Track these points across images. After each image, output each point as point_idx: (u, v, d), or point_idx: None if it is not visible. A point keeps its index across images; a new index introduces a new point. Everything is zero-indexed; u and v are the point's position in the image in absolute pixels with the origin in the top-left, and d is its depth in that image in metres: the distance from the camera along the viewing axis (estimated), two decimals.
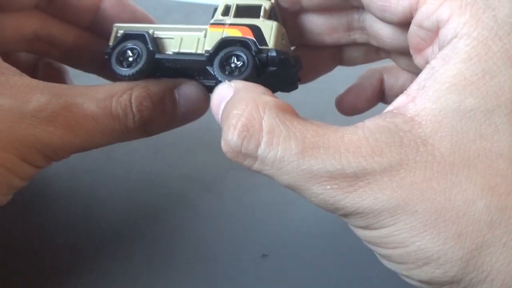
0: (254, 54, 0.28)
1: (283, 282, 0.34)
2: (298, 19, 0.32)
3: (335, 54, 0.34)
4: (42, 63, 0.36)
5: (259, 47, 0.28)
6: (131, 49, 0.30)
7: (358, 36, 0.32)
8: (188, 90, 0.31)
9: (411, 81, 0.25)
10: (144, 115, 0.30)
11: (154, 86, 0.30)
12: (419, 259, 0.22)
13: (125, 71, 0.30)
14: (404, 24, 0.26)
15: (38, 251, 0.35)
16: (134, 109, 0.29)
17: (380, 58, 0.34)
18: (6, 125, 0.26)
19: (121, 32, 0.31)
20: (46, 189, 0.39)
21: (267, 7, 0.29)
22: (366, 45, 0.33)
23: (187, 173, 0.41)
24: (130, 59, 0.30)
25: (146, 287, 0.33)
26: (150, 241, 0.36)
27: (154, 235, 0.36)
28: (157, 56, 0.30)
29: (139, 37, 0.30)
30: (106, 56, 0.31)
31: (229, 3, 0.30)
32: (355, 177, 0.22)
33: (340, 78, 0.37)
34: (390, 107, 0.25)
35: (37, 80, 0.28)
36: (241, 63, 0.28)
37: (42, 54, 0.35)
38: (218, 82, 0.28)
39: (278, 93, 0.31)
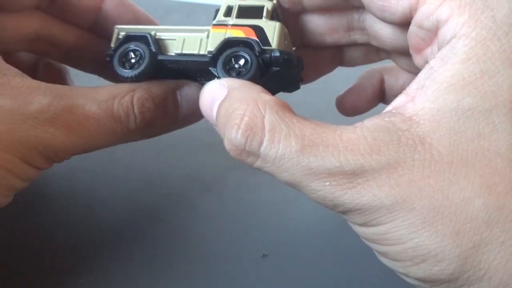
0: (257, 54, 0.28)
1: (283, 282, 0.34)
2: (299, 19, 0.32)
3: (336, 55, 0.34)
4: (43, 63, 0.36)
5: (262, 47, 0.28)
6: (134, 51, 0.30)
7: (358, 37, 0.32)
8: (190, 91, 0.31)
9: (411, 82, 0.25)
10: (146, 116, 0.30)
11: (156, 88, 0.30)
12: (416, 256, 0.23)
13: (127, 72, 0.30)
14: (404, 24, 0.26)
15: (38, 251, 0.35)
16: (136, 111, 0.29)
17: (380, 59, 0.34)
18: (7, 127, 0.26)
19: (122, 33, 0.31)
20: (47, 189, 0.39)
21: (269, 8, 0.29)
22: (367, 46, 0.33)
23: (188, 173, 0.41)
24: (133, 60, 0.30)
25: (146, 287, 0.33)
26: (150, 241, 0.36)
27: (154, 235, 0.36)
28: (160, 57, 0.30)
29: (142, 38, 0.30)
30: (108, 58, 0.31)
31: (231, 4, 0.30)
32: (354, 175, 0.23)
33: (340, 78, 0.37)
34: (389, 107, 0.25)
35: (38, 81, 0.28)
36: (245, 64, 0.28)
37: (42, 54, 0.36)
38: None
39: (279, 93, 0.32)
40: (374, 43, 0.32)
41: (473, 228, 0.22)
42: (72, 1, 0.33)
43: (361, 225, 0.24)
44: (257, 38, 0.28)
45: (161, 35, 0.31)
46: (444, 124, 0.23)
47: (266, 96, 0.25)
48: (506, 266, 0.22)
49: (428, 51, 0.26)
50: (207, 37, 0.29)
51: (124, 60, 0.30)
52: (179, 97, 0.31)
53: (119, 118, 0.29)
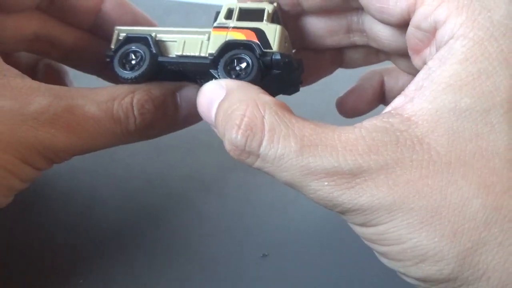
0: (258, 57, 0.28)
1: (283, 282, 0.34)
2: (299, 22, 0.32)
3: (336, 57, 0.34)
4: (42, 64, 0.36)
5: (263, 50, 0.28)
6: (134, 52, 0.30)
7: (358, 38, 0.32)
8: (190, 93, 0.31)
9: (410, 83, 0.25)
10: (146, 118, 0.30)
11: (156, 89, 0.30)
12: (415, 256, 0.23)
13: (128, 74, 0.30)
14: (402, 25, 0.27)
15: (38, 251, 0.35)
16: (135, 112, 0.29)
17: (380, 60, 0.34)
18: (7, 127, 0.26)
19: (122, 35, 0.31)
20: (47, 189, 0.39)
21: (270, 11, 0.29)
22: (366, 47, 0.33)
23: (188, 174, 0.41)
24: (133, 62, 0.30)
25: (146, 287, 0.33)
26: (150, 241, 0.36)
27: (154, 235, 0.36)
28: (160, 59, 0.30)
29: (142, 40, 0.30)
30: (108, 59, 0.31)
31: (231, 7, 0.30)
32: (352, 175, 0.23)
33: (340, 80, 0.37)
34: (388, 108, 0.25)
35: (38, 82, 0.28)
36: (246, 66, 0.28)
37: (42, 54, 0.36)
38: None
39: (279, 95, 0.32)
40: (373, 44, 0.32)
41: (471, 228, 0.22)
42: (71, 2, 0.33)
43: (360, 225, 0.24)
44: (258, 40, 0.28)
45: (161, 36, 0.31)
46: (442, 124, 0.23)
47: (265, 97, 0.25)
48: (504, 266, 0.22)
49: (426, 52, 0.26)
50: (208, 39, 0.29)
51: (125, 61, 0.30)
52: (178, 99, 0.31)
53: (118, 119, 0.29)
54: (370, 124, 0.24)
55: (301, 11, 0.31)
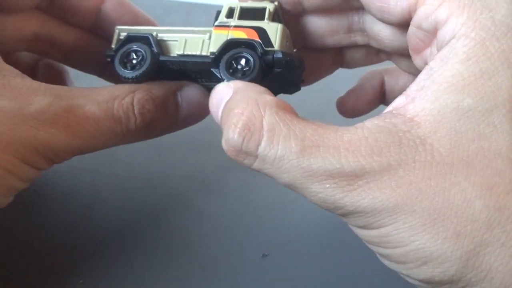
0: (260, 55, 0.28)
1: (283, 282, 0.34)
2: (300, 21, 0.32)
3: (336, 56, 0.34)
4: (42, 64, 0.36)
5: (265, 49, 0.28)
6: (135, 52, 0.30)
7: (358, 38, 0.32)
8: (190, 92, 0.31)
9: (411, 83, 0.25)
10: (146, 118, 0.30)
11: (156, 89, 0.30)
12: (418, 258, 0.23)
13: (129, 73, 0.30)
14: (403, 25, 0.26)
15: (38, 251, 0.35)
16: (136, 112, 0.29)
17: (380, 60, 0.34)
18: (7, 127, 0.26)
19: (123, 34, 0.31)
20: (47, 189, 0.39)
21: (271, 10, 0.29)
22: (367, 47, 0.33)
23: (188, 173, 0.41)
24: (134, 61, 0.30)
25: (146, 287, 0.33)
26: (150, 241, 0.36)
27: (154, 235, 0.36)
28: (162, 58, 0.30)
29: (143, 39, 0.30)
30: (109, 59, 0.31)
31: (232, 6, 0.30)
32: (354, 176, 0.23)
33: (340, 80, 0.37)
34: (389, 108, 0.25)
35: (38, 82, 0.28)
36: (247, 65, 0.28)
37: (42, 54, 0.36)
38: None
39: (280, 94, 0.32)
40: (374, 44, 0.32)
41: (474, 230, 0.22)
42: (71, 1, 0.33)
43: (362, 227, 0.24)
44: (260, 39, 0.28)
45: (162, 36, 0.31)
46: (445, 125, 0.23)
47: (267, 97, 0.25)
48: (507, 267, 0.22)
49: (427, 52, 0.26)
50: (209, 38, 0.29)
51: (126, 61, 0.30)
52: (179, 99, 0.31)
53: (119, 119, 0.29)
54: (372, 124, 0.24)
55: (302, 10, 0.31)
